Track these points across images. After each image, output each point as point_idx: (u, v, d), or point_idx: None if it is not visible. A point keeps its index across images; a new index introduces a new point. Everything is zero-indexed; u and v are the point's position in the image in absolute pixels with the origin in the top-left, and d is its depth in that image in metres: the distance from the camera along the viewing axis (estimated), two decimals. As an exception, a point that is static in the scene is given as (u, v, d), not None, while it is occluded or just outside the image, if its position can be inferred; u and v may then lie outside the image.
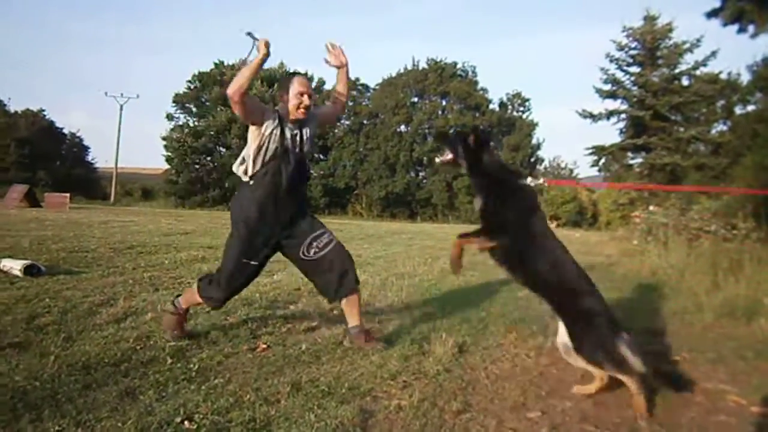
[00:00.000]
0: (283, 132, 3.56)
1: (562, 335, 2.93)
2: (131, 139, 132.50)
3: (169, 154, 43.85)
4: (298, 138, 3.65)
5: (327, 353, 3.49)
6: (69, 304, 4.34)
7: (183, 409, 2.50)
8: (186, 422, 2.38)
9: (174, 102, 45.60)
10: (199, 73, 45.85)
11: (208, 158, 44.94)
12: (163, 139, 44.05)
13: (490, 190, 3.14)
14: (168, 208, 36.63)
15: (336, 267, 3.67)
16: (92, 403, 2.54)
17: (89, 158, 51.08)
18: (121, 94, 48.17)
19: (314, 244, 3.67)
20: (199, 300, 3.72)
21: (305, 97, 3.59)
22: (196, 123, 45.26)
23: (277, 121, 3.55)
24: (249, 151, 3.57)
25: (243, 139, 38.54)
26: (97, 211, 20.55)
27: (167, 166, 44.58)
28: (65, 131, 49.55)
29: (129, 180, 53.04)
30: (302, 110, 3.60)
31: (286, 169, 3.56)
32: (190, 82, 45.82)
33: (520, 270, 3.08)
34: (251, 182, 3.57)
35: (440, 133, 3.91)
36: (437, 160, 3.45)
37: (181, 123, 45.22)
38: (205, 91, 44.95)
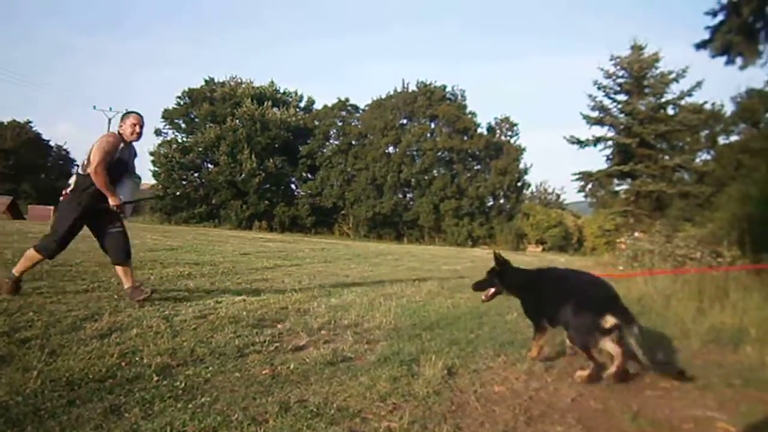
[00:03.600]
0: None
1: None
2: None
3: (157, 169, 43.74)
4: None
5: (315, 373, 3.45)
6: (53, 318, 4.26)
7: (170, 427, 2.45)
8: (172, 441, 2.34)
9: (163, 117, 45.65)
10: (189, 89, 45.96)
11: (196, 174, 44.85)
12: (151, 154, 43.98)
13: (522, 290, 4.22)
14: (154, 223, 36.36)
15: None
16: (76, 420, 2.48)
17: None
18: (110, 108, 47.94)
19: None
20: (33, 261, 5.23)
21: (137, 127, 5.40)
22: (184, 139, 45.23)
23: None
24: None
25: (231, 156, 38.54)
26: (82, 225, 20.33)
27: (154, 182, 44.39)
28: (51, 143, 49.23)
29: (114, 194, 52.74)
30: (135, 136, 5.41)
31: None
32: (179, 98, 45.94)
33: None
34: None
35: (479, 283, 4.51)
36: (483, 298, 4.36)
37: (169, 138, 45.18)
38: (195, 107, 44.98)
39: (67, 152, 49.98)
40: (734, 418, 3.05)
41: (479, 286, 4.43)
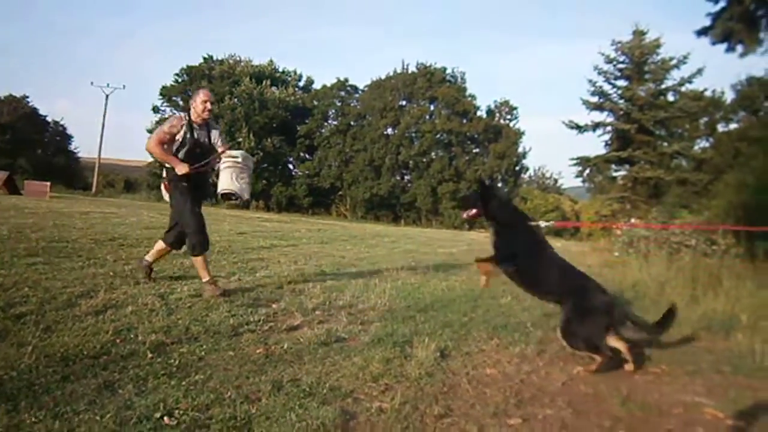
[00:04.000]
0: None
1: None
2: (116, 129, 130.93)
3: (154, 146, 43.50)
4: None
5: (309, 353, 3.48)
6: (48, 295, 4.28)
7: (163, 404, 2.47)
8: (166, 418, 2.36)
9: (161, 95, 45.31)
10: (188, 66, 45.60)
11: (193, 153, 44.66)
12: (148, 131, 43.66)
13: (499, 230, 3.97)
14: (151, 201, 36.29)
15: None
16: (70, 396, 2.50)
17: (72, 147, 50.36)
18: (107, 84, 47.59)
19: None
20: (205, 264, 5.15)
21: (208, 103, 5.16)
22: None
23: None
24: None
25: (229, 135, 38.22)
26: (78, 202, 20.30)
27: (151, 159, 44.19)
28: (48, 119, 48.82)
29: (112, 171, 52.54)
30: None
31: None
32: (177, 75, 45.56)
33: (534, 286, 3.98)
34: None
35: (464, 198, 4.42)
36: (464, 215, 4.23)
37: (167, 116, 44.87)
38: (193, 84, 44.65)
39: (64, 128, 49.59)
40: (722, 403, 3.09)
41: (464, 204, 4.34)
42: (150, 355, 3.15)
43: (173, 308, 4.30)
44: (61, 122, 49.51)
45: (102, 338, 3.33)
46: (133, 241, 8.08)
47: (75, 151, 50.71)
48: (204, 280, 5.04)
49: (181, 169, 5.01)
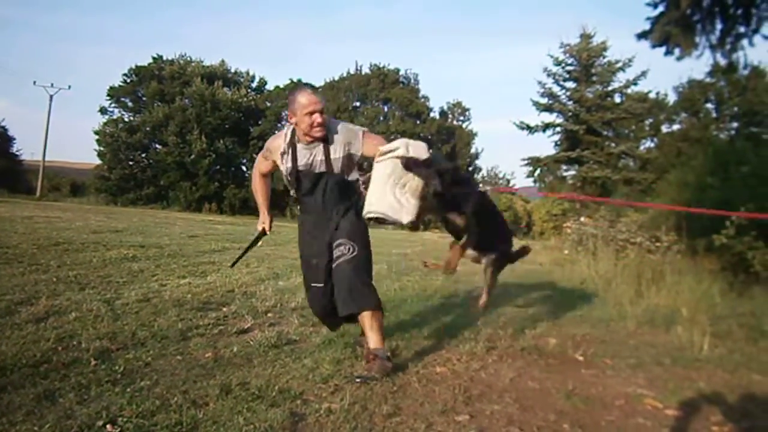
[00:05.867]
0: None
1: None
2: (61, 131, 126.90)
3: (102, 148, 42.36)
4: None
5: (259, 356, 3.45)
6: (-15, 302, 4.12)
7: (106, 412, 2.41)
8: (108, 426, 2.30)
9: (108, 95, 44.10)
10: (136, 66, 44.52)
11: (143, 155, 43.64)
12: (96, 133, 42.52)
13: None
14: (98, 204, 35.31)
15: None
16: (7, 407, 2.41)
17: (14, 149, 48.38)
18: (51, 84, 46.08)
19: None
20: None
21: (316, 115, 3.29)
22: (131, 118, 43.90)
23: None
24: None
25: (180, 136, 37.47)
26: (21, 206, 19.56)
27: (99, 162, 43.02)
28: (-14, 118, 46.74)
29: (57, 174, 50.79)
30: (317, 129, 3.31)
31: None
32: (126, 75, 44.42)
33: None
34: None
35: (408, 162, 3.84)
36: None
37: (115, 117, 43.77)
38: (142, 85, 43.66)
39: (5, 129, 47.62)
40: (662, 394, 3.20)
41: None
42: (94, 362, 3.06)
43: (119, 314, 4.20)
44: (2, 123, 47.54)
45: (42, 346, 3.23)
46: (79, 246, 7.85)
47: (17, 153, 48.70)
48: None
49: (261, 221, 3.92)
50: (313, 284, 3.54)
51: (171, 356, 3.31)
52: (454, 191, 3.23)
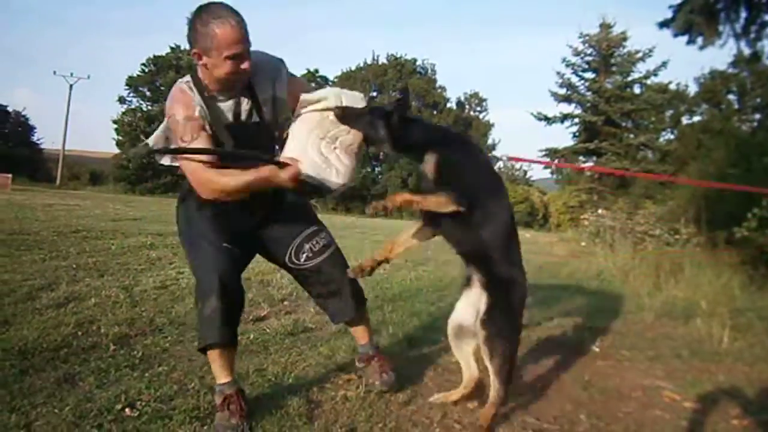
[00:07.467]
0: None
1: None
2: (80, 120, 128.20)
3: (120, 138, 42.76)
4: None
5: (275, 343, 3.47)
6: (7, 288, 4.18)
7: (124, 396, 2.44)
8: (127, 409, 2.33)
9: (127, 85, 44.46)
10: (154, 56, 44.77)
11: (161, 144, 43.95)
12: (114, 122, 42.92)
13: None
14: (117, 193, 35.66)
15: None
16: (28, 389, 2.46)
17: (35, 138, 48.97)
18: (71, 74, 46.60)
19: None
20: None
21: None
22: (149, 107, 44.21)
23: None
24: None
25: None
26: (42, 194, 19.82)
27: (117, 150, 43.42)
28: (9, 109, 47.39)
29: (76, 163, 51.37)
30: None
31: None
32: (144, 65, 44.72)
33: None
34: None
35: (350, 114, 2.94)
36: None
37: (133, 107, 44.13)
38: (160, 75, 43.91)
39: (27, 118, 48.21)
40: (680, 387, 3.17)
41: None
42: (113, 347, 3.10)
43: (138, 300, 4.25)
44: (23, 112, 48.11)
45: (63, 331, 3.27)
46: (98, 234, 7.93)
47: (38, 142, 49.28)
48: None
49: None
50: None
51: (188, 342, 3.34)
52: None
